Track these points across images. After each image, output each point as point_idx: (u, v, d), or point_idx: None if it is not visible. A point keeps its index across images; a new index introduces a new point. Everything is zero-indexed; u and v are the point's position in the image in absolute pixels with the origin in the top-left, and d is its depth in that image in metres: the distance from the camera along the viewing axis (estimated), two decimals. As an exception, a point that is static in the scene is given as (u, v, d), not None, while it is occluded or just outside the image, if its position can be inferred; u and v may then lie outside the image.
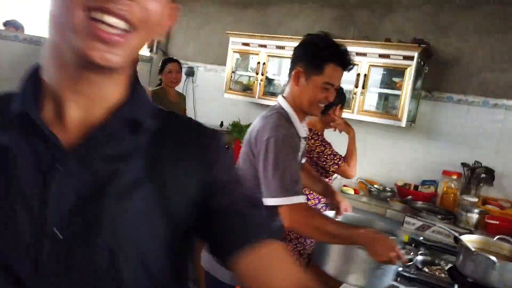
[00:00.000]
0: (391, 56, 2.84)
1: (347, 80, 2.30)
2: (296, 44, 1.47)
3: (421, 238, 2.00)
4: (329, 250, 1.41)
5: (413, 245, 1.90)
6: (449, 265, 1.67)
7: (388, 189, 3.11)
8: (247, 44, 3.51)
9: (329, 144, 2.18)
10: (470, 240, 1.56)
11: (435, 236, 2.41)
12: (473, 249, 1.45)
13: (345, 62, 1.40)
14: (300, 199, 1.28)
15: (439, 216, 2.60)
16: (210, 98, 4.11)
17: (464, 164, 2.91)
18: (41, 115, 0.53)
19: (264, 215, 0.63)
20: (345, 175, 2.23)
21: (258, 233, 0.59)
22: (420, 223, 2.52)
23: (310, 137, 2.07)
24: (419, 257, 1.72)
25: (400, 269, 1.52)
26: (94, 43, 0.47)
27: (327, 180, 2.16)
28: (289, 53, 1.59)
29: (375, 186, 3.12)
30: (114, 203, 0.52)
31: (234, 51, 3.61)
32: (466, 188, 2.87)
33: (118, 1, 0.46)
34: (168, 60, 3.42)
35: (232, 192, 0.61)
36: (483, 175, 2.81)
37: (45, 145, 0.52)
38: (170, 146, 0.58)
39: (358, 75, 2.94)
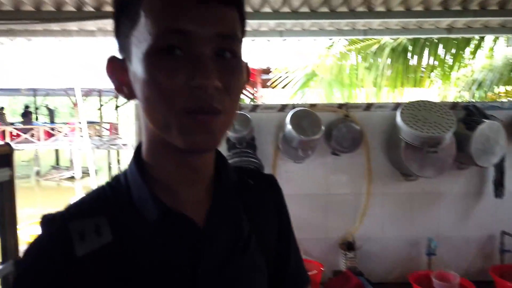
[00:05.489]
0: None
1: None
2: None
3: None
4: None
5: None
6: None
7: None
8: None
9: None
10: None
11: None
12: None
13: None
14: None
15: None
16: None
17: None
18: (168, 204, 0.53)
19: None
20: None
21: (306, 279, 0.68)
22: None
23: None
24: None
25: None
26: (199, 137, 0.48)
27: None
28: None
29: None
30: (243, 261, 0.56)
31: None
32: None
33: (213, 100, 0.47)
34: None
35: (291, 239, 0.66)
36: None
37: (187, 232, 0.53)
38: (255, 197, 0.62)
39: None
